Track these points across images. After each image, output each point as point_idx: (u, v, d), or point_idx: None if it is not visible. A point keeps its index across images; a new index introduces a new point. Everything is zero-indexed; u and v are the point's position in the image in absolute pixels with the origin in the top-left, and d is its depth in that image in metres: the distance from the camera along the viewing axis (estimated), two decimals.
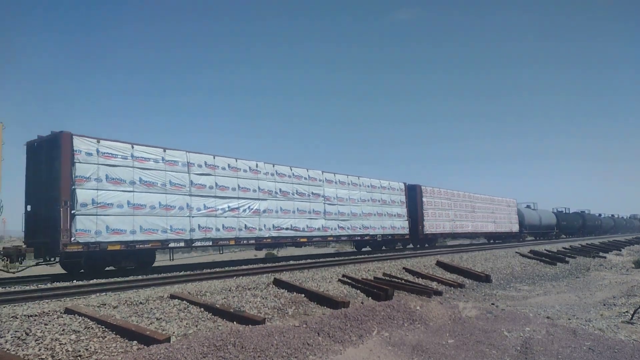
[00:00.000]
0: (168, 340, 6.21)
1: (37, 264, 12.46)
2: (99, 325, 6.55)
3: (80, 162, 11.51)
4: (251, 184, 16.04)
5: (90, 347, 5.94)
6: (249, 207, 15.76)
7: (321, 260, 17.68)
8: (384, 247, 24.15)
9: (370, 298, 10.65)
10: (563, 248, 27.46)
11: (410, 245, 26.28)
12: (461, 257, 18.58)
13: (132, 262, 13.12)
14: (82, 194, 11.41)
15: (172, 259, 14.64)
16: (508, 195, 49.95)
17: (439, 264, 16.20)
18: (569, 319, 9.00)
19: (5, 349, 5.60)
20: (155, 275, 11.89)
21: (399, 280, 12.80)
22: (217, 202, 14.70)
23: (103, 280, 10.75)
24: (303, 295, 9.73)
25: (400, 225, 23.34)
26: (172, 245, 13.54)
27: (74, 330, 6.28)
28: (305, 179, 18.50)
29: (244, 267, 14.49)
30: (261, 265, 15.40)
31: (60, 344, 5.86)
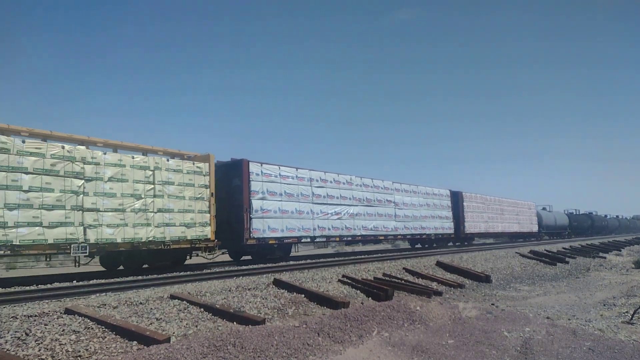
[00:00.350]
0: (168, 340, 6.21)
1: (222, 254, 17.11)
2: (99, 326, 6.55)
3: (253, 181, 16.10)
4: (348, 194, 20.46)
5: (90, 348, 5.94)
6: (347, 211, 20.12)
7: (321, 260, 17.70)
8: (434, 245, 28.48)
9: (370, 298, 10.65)
10: (563, 248, 27.48)
11: (451, 243, 30.74)
12: (461, 257, 18.58)
13: (280, 253, 17.98)
14: (255, 203, 16.05)
15: (297, 251, 21.10)
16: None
17: (439, 264, 16.20)
18: (569, 319, 9.00)
19: (5, 350, 5.59)
20: (155, 276, 11.90)
21: (399, 281, 12.81)
22: (328, 208, 19.21)
23: (103, 281, 10.75)
24: (303, 295, 9.73)
25: (447, 225, 28.08)
26: (303, 240, 18.33)
27: (74, 331, 6.28)
28: (382, 188, 22.85)
29: (243, 267, 14.51)
30: (261, 265, 15.41)
31: (60, 345, 5.86)
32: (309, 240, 18.40)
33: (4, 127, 10.67)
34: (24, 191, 10.16)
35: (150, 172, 12.66)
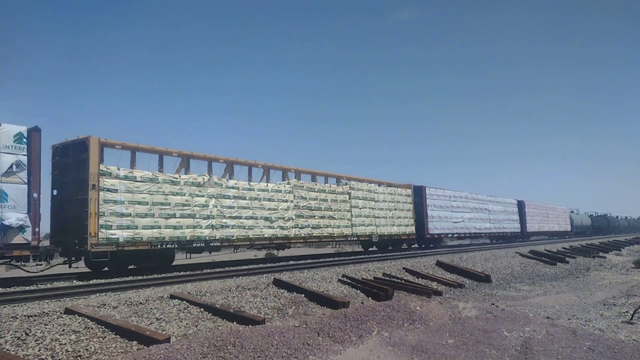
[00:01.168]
0: (168, 340, 6.21)
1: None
2: (99, 326, 6.55)
3: (429, 199, 26.52)
4: (465, 204, 30.30)
5: (90, 348, 5.94)
6: (466, 217, 29.99)
7: (321, 260, 17.70)
8: (503, 240, 35.89)
9: (370, 298, 10.65)
10: (563, 248, 27.48)
11: (520, 239, 38.10)
12: (461, 257, 18.58)
13: (436, 243, 28.38)
14: (431, 213, 26.31)
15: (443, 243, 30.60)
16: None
17: (439, 264, 16.20)
18: (569, 319, 9.00)
19: (5, 349, 5.59)
20: (155, 276, 11.90)
21: (399, 281, 12.81)
22: (458, 215, 29.30)
23: (103, 281, 10.75)
24: (303, 295, 9.73)
25: (515, 226, 36.93)
26: (449, 235, 28.96)
27: (73, 331, 6.28)
28: (481, 200, 32.44)
29: (243, 267, 14.51)
30: (261, 265, 15.41)
31: (60, 344, 5.86)
32: (451, 235, 29.19)
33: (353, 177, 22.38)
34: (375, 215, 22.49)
35: (392, 196, 23.80)
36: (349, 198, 20.45)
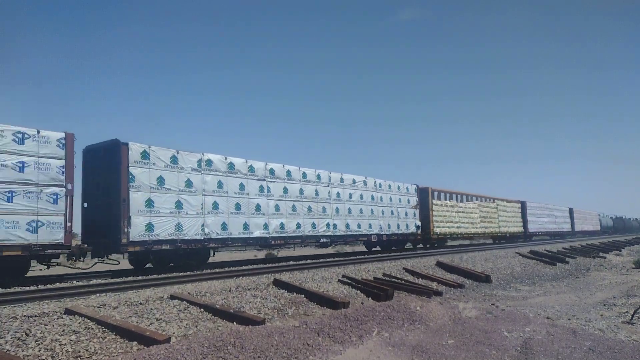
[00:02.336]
0: (168, 340, 6.21)
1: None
2: (99, 326, 6.55)
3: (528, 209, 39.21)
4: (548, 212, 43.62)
5: (90, 348, 5.94)
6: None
7: (321, 260, 17.70)
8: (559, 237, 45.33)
9: (370, 298, 10.65)
10: (563, 248, 27.48)
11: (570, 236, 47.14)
12: (461, 257, 18.58)
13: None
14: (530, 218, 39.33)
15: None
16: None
17: (439, 264, 16.20)
18: (569, 319, 9.00)
19: (5, 350, 5.59)
20: (155, 276, 11.90)
21: (399, 281, 12.80)
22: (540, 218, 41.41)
23: (103, 281, 10.76)
24: (303, 295, 9.73)
25: (565, 226, 47.50)
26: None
27: (74, 331, 6.28)
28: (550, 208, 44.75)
29: (244, 267, 14.51)
30: (261, 265, 15.41)
31: (60, 345, 5.86)
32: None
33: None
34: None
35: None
36: (497, 210, 34.41)
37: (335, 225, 19.44)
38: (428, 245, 27.22)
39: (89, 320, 6.64)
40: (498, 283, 15.16)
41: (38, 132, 10.80)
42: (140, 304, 7.79)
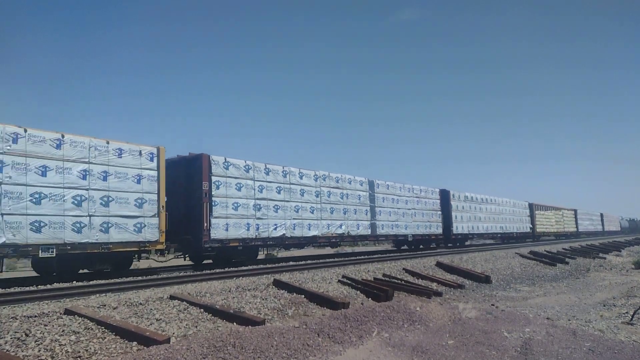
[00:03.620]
0: (168, 341, 6.21)
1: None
2: (99, 326, 6.55)
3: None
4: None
5: (90, 348, 5.94)
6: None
7: (321, 261, 17.69)
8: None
9: (370, 299, 10.64)
10: (563, 249, 27.48)
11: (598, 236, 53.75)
12: (461, 258, 18.57)
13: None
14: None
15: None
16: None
17: (439, 264, 16.19)
18: (569, 320, 9.00)
19: (5, 350, 5.59)
20: (155, 276, 11.91)
21: (399, 281, 12.80)
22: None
23: (103, 281, 10.75)
24: (303, 296, 9.72)
25: (596, 226, 58.89)
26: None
27: (73, 331, 6.27)
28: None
29: (243, 268, 14.50)
30: (261, 266, 15.40)
31: (59, 345, 5.86)
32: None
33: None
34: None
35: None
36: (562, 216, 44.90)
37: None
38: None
39: (88, 321, 6.64)
40: (498, 283, 15.16)
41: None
42: (140, 304, 7.78)
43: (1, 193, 10.12)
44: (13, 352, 5.59)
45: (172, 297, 8.33)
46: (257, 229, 15.84)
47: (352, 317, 8.08)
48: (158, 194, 13.11)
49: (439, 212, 27.36)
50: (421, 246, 26.77)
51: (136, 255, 13.34)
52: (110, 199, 11.98)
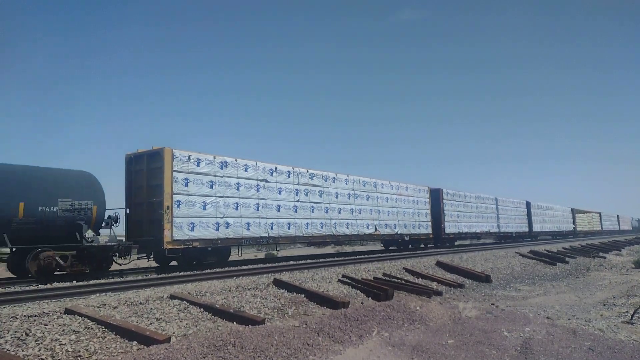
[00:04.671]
0: (168, 340, 6.21)
1: None
2: (99, 326, 6.55)
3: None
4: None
5: (90, 348, 5.94)
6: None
7: (321, 260, 17.69)
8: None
9: (370, 298, 10.65)
10: (563, 248, 27.47)
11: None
12: (461, 257, 18.57)
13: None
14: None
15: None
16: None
17: (439, 264, 16.20)
18: (569, 319, 9.00)
19: (5, 350, 5.59)
20: (154, 276, 11.90)
21: (399, 281, 12.80)
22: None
23: (103, 281, 10.75)
24: (303, 295, 9.72)
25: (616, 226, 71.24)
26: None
27: (73, 331, 6.27)
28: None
29: (243, 267, 14.50)
30: (261, 265, 15.40)
31: (60, 345, 5.86)
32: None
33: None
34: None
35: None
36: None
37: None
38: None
39: (88, 320, 6.64)
40: (498, 283, 15.16)
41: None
42: (140, 303, 7.78)
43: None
44: (13, 351, 5.59)
45: (172, 297, 8.33)
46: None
47: (352, 317, 8.08)
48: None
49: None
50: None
51: None
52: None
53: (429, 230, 26.59)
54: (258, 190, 16.45)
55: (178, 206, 13.62)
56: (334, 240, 21.34)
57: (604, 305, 10.97)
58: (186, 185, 13.99)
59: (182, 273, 12.66)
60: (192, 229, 13.97)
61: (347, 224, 20.41)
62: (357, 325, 7.82)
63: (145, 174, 14.14)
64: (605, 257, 24.82)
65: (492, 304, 10.90)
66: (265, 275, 11.82)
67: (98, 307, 7.34)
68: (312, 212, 18.64)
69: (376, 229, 22.24)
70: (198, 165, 14.49)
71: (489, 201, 34.17)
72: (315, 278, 11.47)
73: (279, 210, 17.07)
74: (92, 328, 6.46)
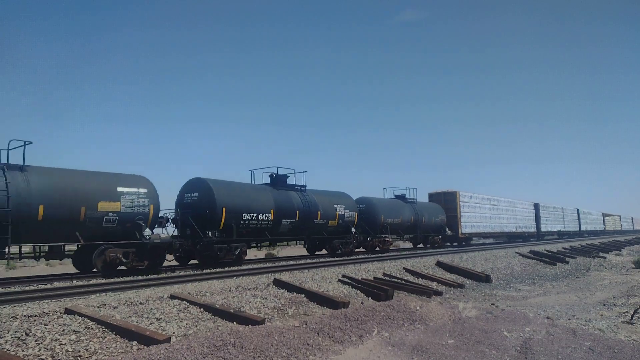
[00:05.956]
0: (168, 340, 6.21)
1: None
2: (99, 326, 6.55)
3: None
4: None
5: (90, 348, 5.94)
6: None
7: (321, 260, 17.68)
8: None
9: (370, 298, 10.65)
10: (563, 248, 27.49)
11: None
12: (461, 257, 18.57)
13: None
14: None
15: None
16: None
17: (439, 264, 16.20)
18: (569, 319, 9.00)
19: (5, 350, 5.60)
20: (154, 276, 11.90)
21: (399, 281, 12.81)
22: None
23: (103, 281, 10.76)
24: (303, 295, 9.73)
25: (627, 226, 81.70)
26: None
27: (74, 331, 6.28)
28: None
29: (243, 267, 14.51)
30: (261, 265, 15.41)
31: (60, 344, 5.86)
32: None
33: None
34: None
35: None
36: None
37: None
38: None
39: (89, 320, 6.64)
40: (498, 283, 15.16)
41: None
42: (141, 303, 7.79)
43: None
44: (13, 351, 5.60)
45: (172, 297, 8.33)
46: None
47: (352, 317, 8.08)
48: None
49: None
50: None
51: None
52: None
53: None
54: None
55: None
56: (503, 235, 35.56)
57: (604, 305, 10.97)
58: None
59: (182, 273, 12.66)
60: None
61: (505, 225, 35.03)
62: (357, 325, 7.83)
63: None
64: (605, 257, 24.82)
65: (492, 304, 10.90)
66: (265, 275, 11.82)
67: (98, 307, 7.35)
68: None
69: (516, 229, 36.78)
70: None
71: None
72: (315, 278, 11.47)
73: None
74: (92, 328, 6.46)
